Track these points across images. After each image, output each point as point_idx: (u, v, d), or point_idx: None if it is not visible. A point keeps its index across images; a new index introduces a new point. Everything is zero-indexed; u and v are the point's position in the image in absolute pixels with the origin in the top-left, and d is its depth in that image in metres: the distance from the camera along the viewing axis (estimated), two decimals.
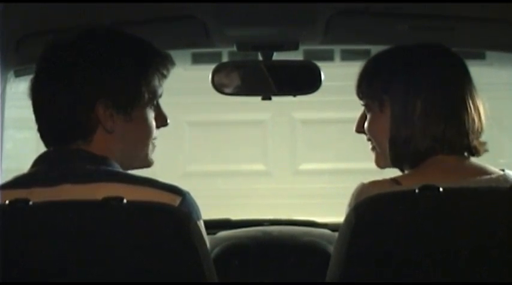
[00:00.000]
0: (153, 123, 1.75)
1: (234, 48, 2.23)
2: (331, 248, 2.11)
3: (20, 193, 1.58)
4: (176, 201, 1.60)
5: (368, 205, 1.55)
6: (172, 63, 1.77)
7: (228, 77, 2.26)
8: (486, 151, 1.81)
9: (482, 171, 1.76)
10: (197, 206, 1.65)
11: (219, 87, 2.25)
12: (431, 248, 1.51)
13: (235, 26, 2.10)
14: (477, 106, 1.79)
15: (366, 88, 1.86)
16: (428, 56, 1.83)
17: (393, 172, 1.83)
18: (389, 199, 1.56)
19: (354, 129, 1.91)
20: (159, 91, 1.75)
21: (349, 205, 1.74)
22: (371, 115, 1.87)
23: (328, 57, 5.75)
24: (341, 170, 5.82)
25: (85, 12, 1.97)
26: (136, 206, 1.49)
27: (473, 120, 1.78)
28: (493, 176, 1.75)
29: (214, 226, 2.35)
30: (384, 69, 1.84)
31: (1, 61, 2.10)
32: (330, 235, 2.35)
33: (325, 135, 5.94)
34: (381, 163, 1.89)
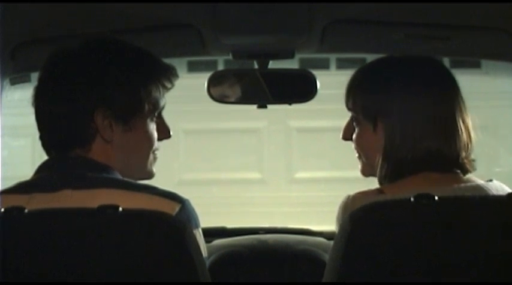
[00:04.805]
0: (154, 134, 1.75)
1: (230, 57, 2.22)
2: (326, 257, 2.11)
3: (20, 198, 1.58)
4: (175, 208, 1.60)
5: (363, 213, 1.55)
6: (175, 75, 1.76)
7: (224, 85, 2.26)
8: (475, 169, 1.80)
9: (462, 180, 1.76)
10: (196, 214, 1.64)
11: (214, 96, 2.25)
12: (426, 257, 1.51)
13: (231, 34, 2.09)
14: (467, 123, 1.79)
15: (358, 104, 1.84)
16: (420, 73, 1.81)
17: None
18: (384, 208, 1.56)
19: (341, 136, 1.89)
20: (161, 102, 1.75)
21: (337, 218, 1.74)
22: (360, 129, 1.84)
23: (324, 65, 5.76)
24: (337, 178, 5.82)
25: (81, 20, 1.97)
26: (132, 215, 1.49)
27: (464, 139, 1.77)
28: (467, 184, 1.74)
29: (209, 234, 2.34)
30: (376, 87, 1.81)
31: None
32: (326, 243, 2.35)
33: (320, 143, 5.95)
34: (366, 172, 1.88)
